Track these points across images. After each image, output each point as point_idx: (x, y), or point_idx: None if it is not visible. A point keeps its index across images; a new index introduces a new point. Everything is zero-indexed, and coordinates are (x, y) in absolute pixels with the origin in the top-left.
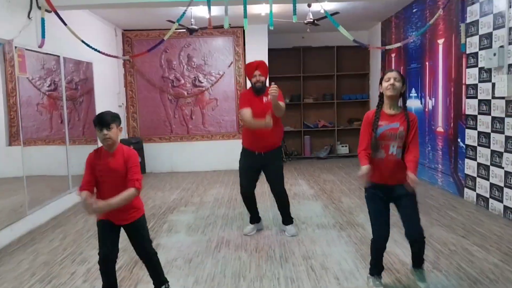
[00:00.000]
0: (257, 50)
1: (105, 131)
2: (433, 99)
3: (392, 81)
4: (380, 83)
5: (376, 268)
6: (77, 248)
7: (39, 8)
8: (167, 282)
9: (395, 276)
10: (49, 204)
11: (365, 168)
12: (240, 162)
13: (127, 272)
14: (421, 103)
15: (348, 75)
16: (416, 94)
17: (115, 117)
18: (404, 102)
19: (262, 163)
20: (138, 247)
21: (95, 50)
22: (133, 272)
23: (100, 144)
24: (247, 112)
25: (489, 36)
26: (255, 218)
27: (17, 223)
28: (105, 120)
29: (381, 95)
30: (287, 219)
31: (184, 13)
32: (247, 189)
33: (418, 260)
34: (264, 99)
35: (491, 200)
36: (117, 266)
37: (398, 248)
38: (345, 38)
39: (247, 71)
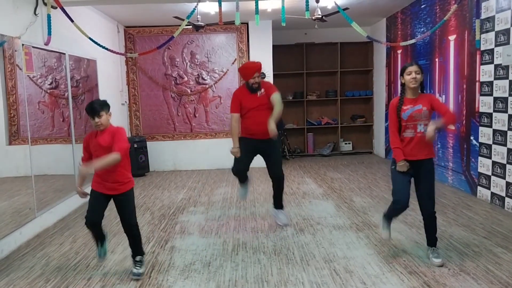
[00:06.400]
0: (261, 47)
1: (96, 119)
2: (444, 96)
3: (413, 74)
4: (401, 74)
5: (392, 217)
6: (90, 251)
7: (45, 4)
8: (144, 254)
9: (423, 280)
10: (57, 205)
11: (403, 163)
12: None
13: (146, 276)
14: None
15: (352, 71)
16: (424, 92)
17: (103, 105)
18: (423, 88)
19: (260, 149)
20: (122, 218)
21: (103, 47)
22: (151, 277)
23: None
24: (235, 117)
25: (506, 32)
26: (246, 178)
27: (26, 226)
28: (96, 109)
29: (403, 85)
30: (281, 204)
31: (194, 9)
32: (238, 170)
33: (431, 238)
34: (258, 93)
35: (507, 199)
36: None
37: (421, 251)
38: (348, 34)
39: (246, 72)
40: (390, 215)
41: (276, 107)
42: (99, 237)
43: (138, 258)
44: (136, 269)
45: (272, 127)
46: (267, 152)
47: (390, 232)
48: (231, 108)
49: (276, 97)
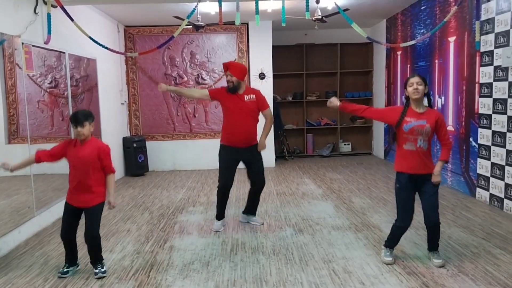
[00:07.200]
0: (261, 47)
1: (79, 128)
2: (443, 98)
3: (415, 85)
4: (405, 87)
5: (392, 243)
6: None
7: (45, 3)
8: (103, 259)
9: (421, 281)
10: (55, 204)
11: (335, 101)
12: (220, 157)
13: (144, 276)
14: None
15: (351, 72)
16: (432, 106)
17: (88, 116)
18: (430, 101)
19: (242, 157)
20: (86, 228)
21: (103, 46)
22: (150, 276)
23: None
24: (204, 91)
25: (506, 34)
26: (222, 214)
27: (25, 225)
28: (79, 119)
29: (407, 98)
30: (255, 210)
31: (194, 9)
32: (226, 185)
33: (434, 244)
34: (246, 97)
35: (506, 201)
36: (133, 270)
37: (420, 251)
38: (348, 35)
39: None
40: (392, 239)
41: (267, 124)
42: (71, 255)
43: (97, 263)
44: (99, 269)
45: (262, 143)
46: (250, 161)
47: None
48: (211, 89)
49: (269, 114)
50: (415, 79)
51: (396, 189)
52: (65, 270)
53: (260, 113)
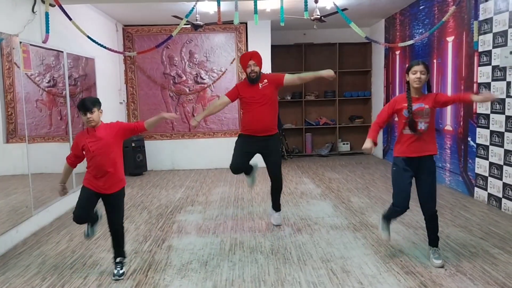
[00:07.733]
0: (260, 46)
1: (88, 115)
2: None
3: (418, 74)
4: (407, 72)
5: (388, 218)
6: (86, 250)
7: (43, 2)
8: (125, 256)
9: (419, 280)
10: (53, 204)
11: (369, 141)
12: (236, 144)
13: (142, 275)
14: None
15: (350, 72)
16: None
17: (95, 102)
18: (429, 89)
19: (260, 147)
20: (112, 218)
21: (102, 46)
22: (148, 276)
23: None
24: (223, 98)
25: (504, 34)
26: (249, 170)
27: (23, 224)
28: (87, 106)
29: (408, 83)
30: (278, 206)
31: (193, 8)
32: (234, 166)
33: (434, 237)
34: (259, 85)
35: (504, 200)
36: (131, 270)
37: (418, 251)
38: (347, 35)
39: (241, 62)
40: (389, 217)
41: (303, 73)
42: (90, 221)
43: (119, 259)
44: (117, 270)
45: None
46: (267, 152)
47: (389, 233)
48: (228, 91)
49: (290, 76)
50: (419, 67)
51: (393, 172)
52: (90, 230)
53: (286, 83)
